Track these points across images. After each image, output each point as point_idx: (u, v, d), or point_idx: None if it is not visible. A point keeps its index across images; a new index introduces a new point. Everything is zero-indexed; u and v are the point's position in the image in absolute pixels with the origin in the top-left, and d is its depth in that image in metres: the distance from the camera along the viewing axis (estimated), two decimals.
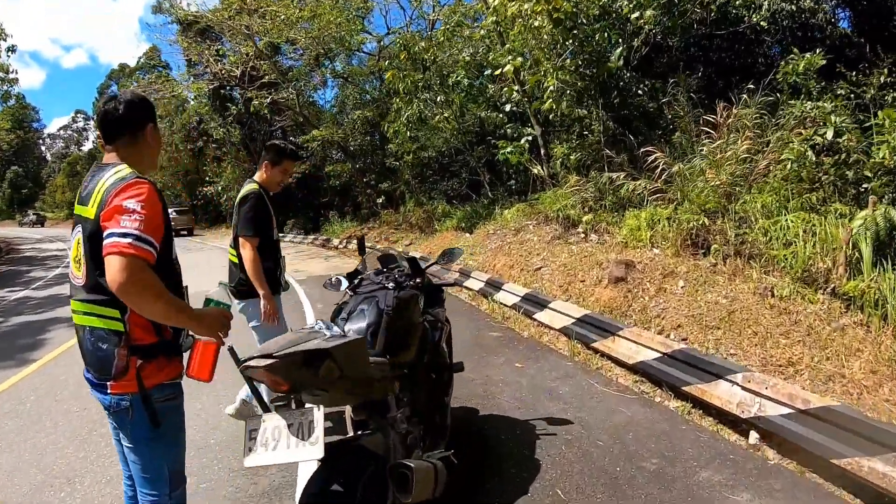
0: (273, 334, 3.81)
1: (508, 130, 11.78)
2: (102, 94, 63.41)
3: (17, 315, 9.57)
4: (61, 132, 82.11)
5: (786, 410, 3.20)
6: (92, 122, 74.01)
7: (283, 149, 3.81)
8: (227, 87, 23.83)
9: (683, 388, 4.02)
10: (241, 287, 3.67)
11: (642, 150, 8.14)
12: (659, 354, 4.44)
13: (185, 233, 30.52)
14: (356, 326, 2.60)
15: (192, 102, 25.58)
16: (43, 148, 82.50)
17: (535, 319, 6.76)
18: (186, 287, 2.15)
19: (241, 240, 3.57)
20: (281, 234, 25.11)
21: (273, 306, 3.57)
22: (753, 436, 3.44)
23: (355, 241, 17.99)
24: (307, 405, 1.98)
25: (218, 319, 2.00)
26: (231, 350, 1.94)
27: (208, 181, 29.84)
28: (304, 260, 16.60)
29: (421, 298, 3.10)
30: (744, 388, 3.50)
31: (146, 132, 2.06)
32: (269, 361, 1.83)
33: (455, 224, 14.11)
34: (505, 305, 7.67)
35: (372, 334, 2.54)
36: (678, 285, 5.64)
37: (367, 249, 4.19)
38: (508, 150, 10.74)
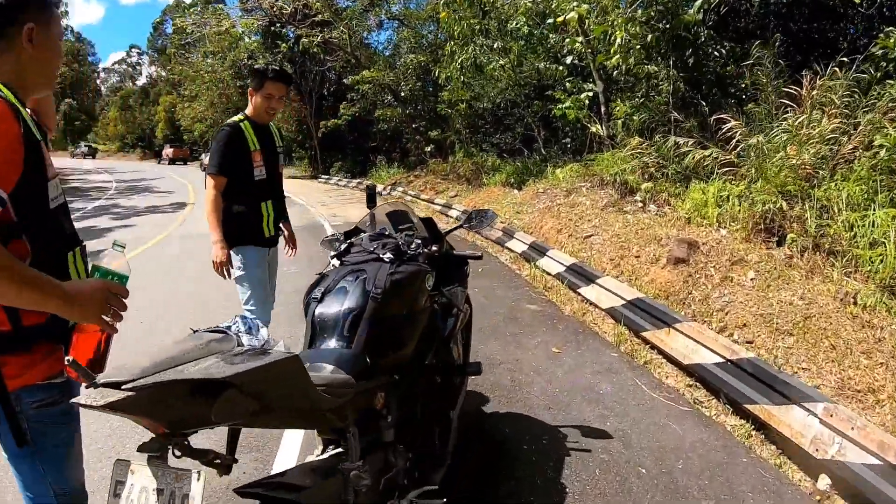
0: (253, 288, 3.39)
1: (568, 84, 10.97)
2: (157, 29, 64.20)
3: None
4: (116, 66, 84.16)
5: (872, 461, 2.63)
6: (146, 57, 75.14)
7: (262, 71, 3.30)
8: (278, 24, 23.30)
9: (746, 405, 3.49)
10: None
11: (714, 116, 7.31)
12: (721, 360, 3.88)
13: None
14: (330, 311, 1.96)
15: (245, 40, 25.21)
16: (98, 82, 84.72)
17: (579, 294, 6.25)
18: (83, 246, 1.61)
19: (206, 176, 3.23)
20: (326, 177, 24.98)
21: (220, 255, 3.15)
22: (824, 481, 2.86)
23: (395, 189, 17.51)
24: (183, 469, 1.23)
25: (101, 295, 1.36)
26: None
27: None
28: (342, 204, 16.32)
29: (431, 276, 2.35)
30: (823, 423, 2.93)
31: (24, 33, 1.42)
32: (113, 397, 1.04)
33: (504, 179, 13.54)
34: (548, 274, 7.17)
35: (351, 325, 1.90)
36: (747, 276, 5.00)
37: (405, 203, 3.55)
38: (567, 105, 10.04)
